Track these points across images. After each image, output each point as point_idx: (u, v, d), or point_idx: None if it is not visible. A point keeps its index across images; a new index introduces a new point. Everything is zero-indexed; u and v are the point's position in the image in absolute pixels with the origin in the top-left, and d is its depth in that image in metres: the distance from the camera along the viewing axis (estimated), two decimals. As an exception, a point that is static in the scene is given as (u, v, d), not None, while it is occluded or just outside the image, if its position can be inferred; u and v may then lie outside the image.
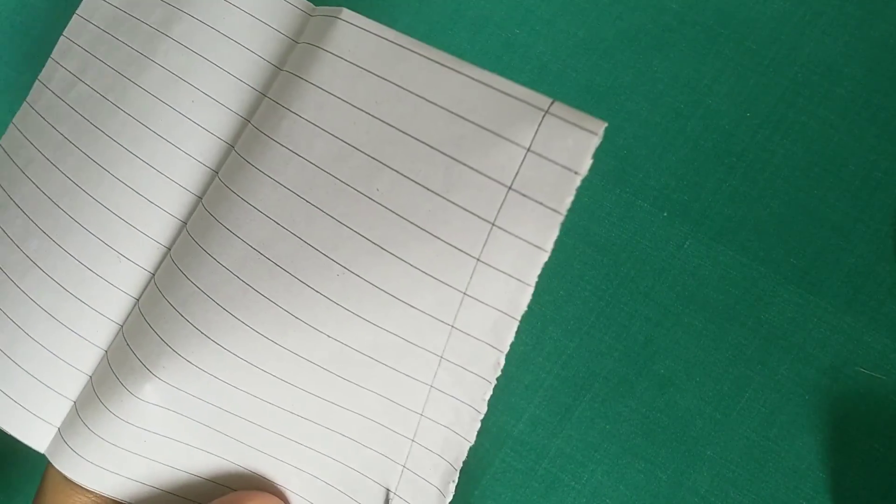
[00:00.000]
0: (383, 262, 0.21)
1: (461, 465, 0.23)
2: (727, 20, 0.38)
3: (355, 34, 0.23)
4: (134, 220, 0.25)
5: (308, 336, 0.22)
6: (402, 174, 0.21)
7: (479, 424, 0.22)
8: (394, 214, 0.21)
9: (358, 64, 0.23)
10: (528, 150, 0.21)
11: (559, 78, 0.38)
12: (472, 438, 0.22)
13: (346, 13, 0.23)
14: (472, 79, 0.21)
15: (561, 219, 0.20)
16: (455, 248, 0.21)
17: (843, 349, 0.35)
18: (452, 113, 0.21)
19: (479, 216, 0.21)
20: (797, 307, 0.35)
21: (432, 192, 0.21)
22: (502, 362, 0.22)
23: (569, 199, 0.20)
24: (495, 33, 0.39)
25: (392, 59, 0.22)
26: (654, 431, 0.35)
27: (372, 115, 0.22)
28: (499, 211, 0.21)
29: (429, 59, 0.22)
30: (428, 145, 0.21)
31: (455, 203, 0.21)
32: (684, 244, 0.36)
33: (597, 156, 0.37)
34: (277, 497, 0.24)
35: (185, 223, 0.25)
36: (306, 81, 0.23)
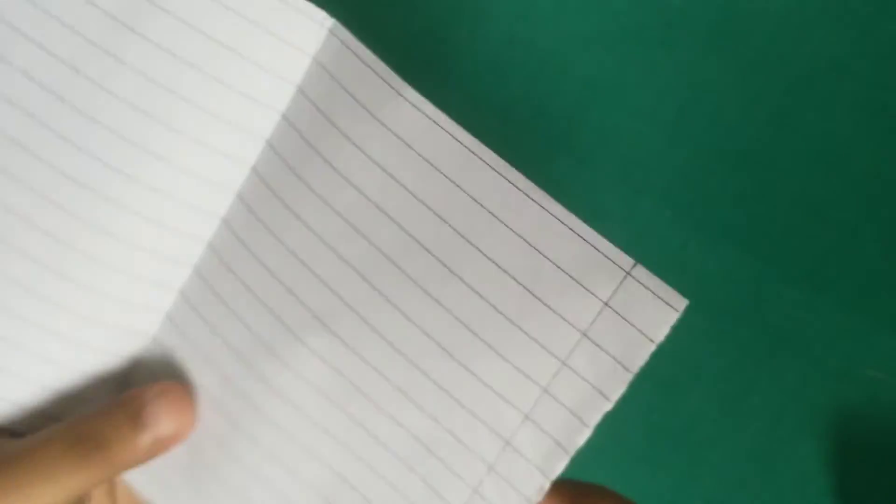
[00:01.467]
0: (451, 368, 0.23)
1: None
2: (732, 15, 0.38)
3: (422, 123, 0.24)
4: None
5: (366, 406, 0.24)
6: (472, 289, 0.23)
7: None
8: (462, 325, 0.23)
9: (427, 158, 0.23)
10: (606, 304, 0.22)
11: (561, 73, 0.38)
12: None
13: (410, 92, 0.24)
14: (555, 217, 0.22)
15: (631, 377, 0.22)
16: (523, 373, 0.22)
17: (851, 351, 0.35)
18: (530, 244, 0.22)
19: (549, 351, 0.22)
20: (803, 308, 0.35)
21: (504, 315, 0.22)
22: (546, 488, 0.23)
23: (640, 363, 0.22)
24: (496, 28, 0.39)
25: (464, 165, 0.23)
26: (657, 434, 0.35)
27: (441, 219, 0.23)
28: (571, 352, 0.22)
29: (506, 179, 0.23)
30: (501, 268, 0.22)
31: (527, 333, 0.22)
32: (688, 244, 0.36)
33: (599, 153, 0.37)
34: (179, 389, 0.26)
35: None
36: (360, 150, 0.24)
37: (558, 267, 0.22)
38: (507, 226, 0.22)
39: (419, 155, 0.24)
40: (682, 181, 0.37)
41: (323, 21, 0.25)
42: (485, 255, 0.23)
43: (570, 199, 0.37)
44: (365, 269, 0.24)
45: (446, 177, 0.23)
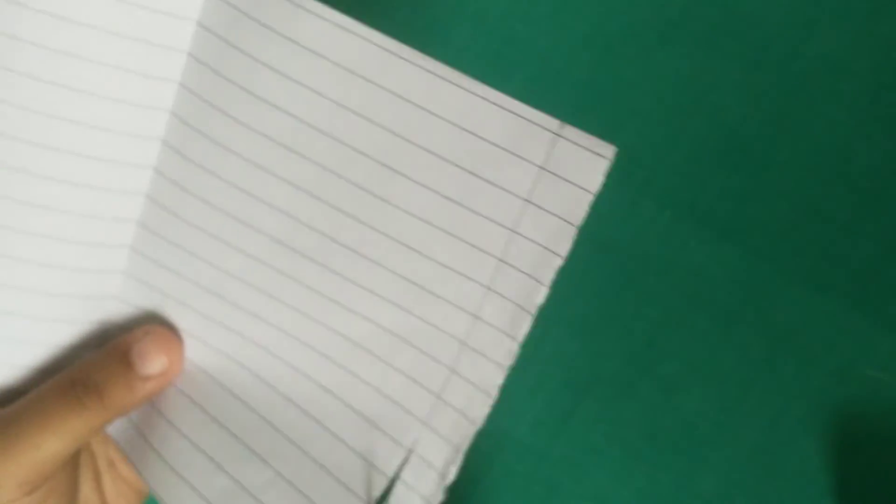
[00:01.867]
0: (411, 258, 0.24)
1: (464, 451, 0.25)
2: (732, 15, 0.38)
3: (330, 31, 0.24)
4: None
5: (341, 314, 0.25)
6: (417, 182, 0.23)
7: (489, 409, 0.24)
8: (414, 217, 0.24)
9: (343, 65, 0.24)
10: (541, 167, 0.23)
11: (561, 73, 0.38)
12: (481, 423, 0.24)
13: (310, 3, 0.24)
14: (477, 95, 0.23)
15: (574, 230, 0.23)
16: (478, 248, 0.23)
17: (851, 350, 0.35)
18: (460, 127, 0.23)
19: (498, 223, 0.23)
20: (804, 307, 0.35)
21: (449, 199, 0.23)
22: (515, 350, 0.24)
23: (582, 214, 0.23)
24: (496, 28, 0.39)
25: (382, 64, 0.23)
26: (657, 434, 0.35)
27: (372, 122, 0.24)
28: (518, 219, 0.23)
29: (425, 69, 0.24)
30: (439, 156, 0.23)
31: (474, 210, 0.23)
32: (689, 243, 0.36)
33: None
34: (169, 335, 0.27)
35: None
36: (276, 71, 0.24)
37: (490, 143, 0.23)
38: (435, 115, 0.23)
39: (335, 64, 0.24)
40: (681, 181, 0.37)
41: None
42: (421, 147, 0.23)
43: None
44: (311, 186, 0.24)
45: (367, 80, 0.23)
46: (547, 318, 0.36)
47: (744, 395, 0.35)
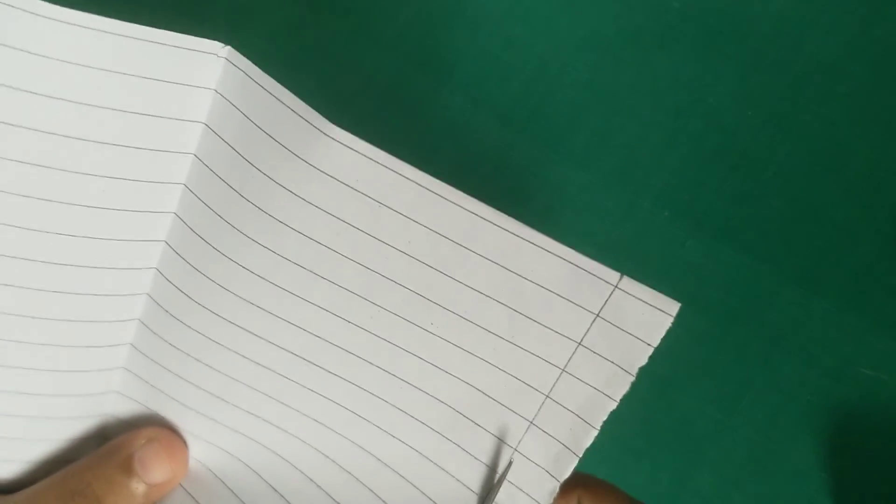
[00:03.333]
0: (450, 385, 0.23)
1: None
2: (729, 18, 0.38)
3: (359, 161, 0.22)
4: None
5: (366, 429, 0.24)
6: (457, 314, 0.22)
7: None
8: (455, 347, 0.22)
9: (373, 197, 0.22)
10: (598, 315, 0.22)
11: (559, 76, 0.38)
12: None
13: (335, 130, 0.22)
14: (524, 239, 0.22)
15: (632, 379, 0.22)
16: (524, 383, 0.22)
17: (846, 350, 0.35)
18: (505, 268, 0.22)
19: (548, 361, 0.22)
20: (799, 307, 0.35)
21: (496, 335, 0.22)
22: (555, 491, 0.23)
23: (641, 363, 0.22)
24: (495, 31, 0.39)
25: (416, 200, 0.22)
26: (655, 432, 0.35)
27: (404, 253, 0.22)
28: (569, 360, 0.22)
29: (464, 209, 0.22)
30: (482, 293, 0.22)
31: (523, 348, 0.22)
32: (686, 243, 0.36)
33: (597, 155, 0.37)
34: (172, 433, 0.25)
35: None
36: (293, 193, 0.23)
37: (541, 286, 0.22)
38: (477, 254, 0.22)
39: (364, 195, 0.22)
40: (679, 182, 0.37)
41: (218, 51, 0.22)
42: (461, 282, 0.22)
43: (570, 200, 0.37)
44: (336, 308, 0.23)
45: (400, 213, 0.22)
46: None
47: (741, 394, 0.35)
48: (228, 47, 0.22)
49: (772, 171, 0.36)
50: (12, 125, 0.22)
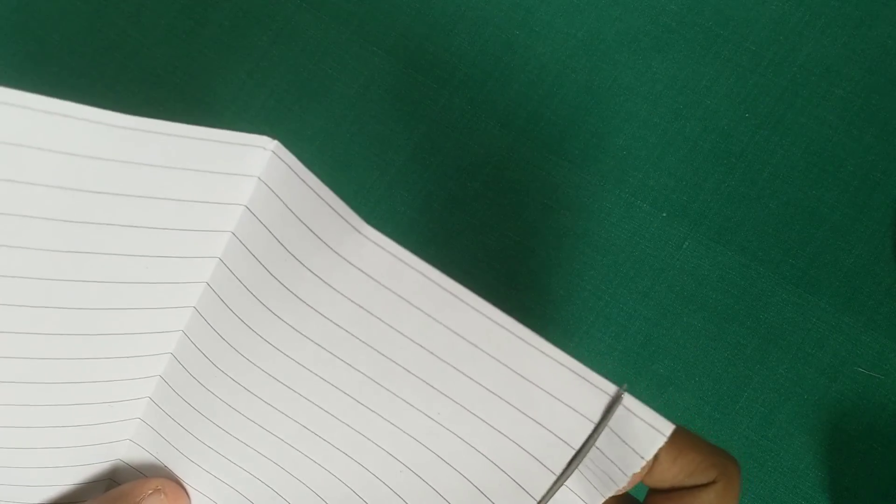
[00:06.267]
0: (447, 474, 0.24)
1: None
2: (726, 21, 0.38)
3: (388, 261, 0.23)
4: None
5: None
6: (463, 407, 0.23)
7: None
8: (459, 439, 0.23)
9: (399, 294, 0.23)
10: (598, 424, 0.22)
11: (559, 79, 0.38)
12: None
13: (369, 230, 0.23)
14: (535, 347, 0.23)
15: (627, 480, 0.22)
16: (519, 486, 0.23)
17: (842, 349, 0.35)
18: (514, 371, 0.23)
19: (544, 465, 0.23)
20: (796, 307, 0.35)
21: (497, 430, 0.23)
22: None
23: (636, 471, 0.22)
24: (495, 34, 0.39)
25: (441, 302, 0.23)
26: (653, 431, 0.35)
27: (421, 346, 0.23)
28: (565, 469, 0.23)
29: (487, 317, 0.23)
30: (489, 390, 0.23)
31: (521, 447, 0.23)
32: (683, 244, 0.36)
33: (596, 156, 0.38)
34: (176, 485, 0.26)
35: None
36: (323, 281, 0.24)
37: (547, 392, 0.23)
38: (490, 356, 0.23)
39: (390, 291, 0.23)
40: (677, 183, 0.37)
41: (265, 144, 0.23)
42: (470, 378, 0.23)
43: (569, 202, 0.37)
44: (348, 388, 0.24)
45: (422, 311, 0.23)
46: (544, 317, 0.37)
47: (737, 392, 0.35)
48: (276, 142, 0.23)
49: (768, 172, 0.37)
50: (69, 221, 0.23)
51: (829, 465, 0.34)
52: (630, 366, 0.36)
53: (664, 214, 0.37)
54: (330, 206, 0.23)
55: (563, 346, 0.37)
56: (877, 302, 0.35)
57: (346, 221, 0.23)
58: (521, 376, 0.23)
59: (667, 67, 0.38)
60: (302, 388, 0.25)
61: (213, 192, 0.23)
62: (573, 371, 0.22)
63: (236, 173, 0.23)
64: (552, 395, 0.22)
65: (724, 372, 0.35)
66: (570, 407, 0.22)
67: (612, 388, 0.22)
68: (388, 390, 0.24)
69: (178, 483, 0.27)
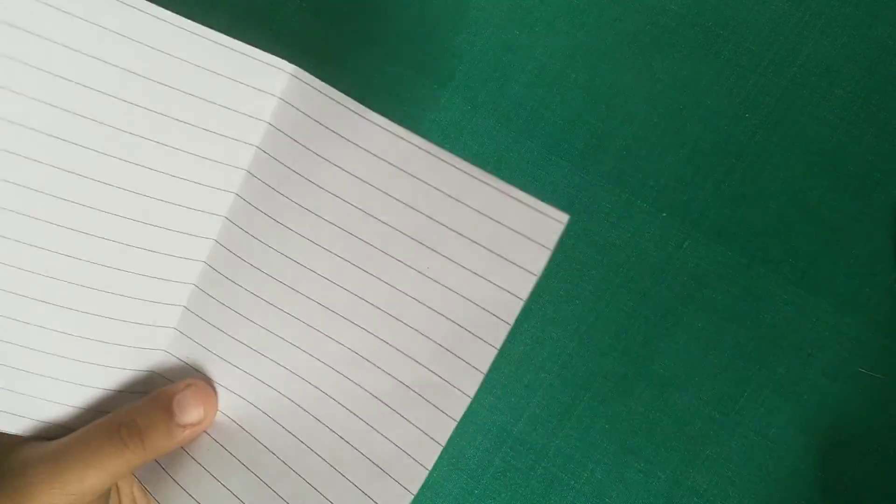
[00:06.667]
0: (434, 321, 0.28)
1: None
2: (726, 21, 0.38)
3: (385, 136, 0.28)
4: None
5: (372, 372, 0.28)
6: (450, 259, 0.27)
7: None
8: (442, 286, 0.27)
9: (394, 164, 0.28)
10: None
11: (558, 79, 0.38)
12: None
13: (372, 114, 0.28)
14: (500, 191, 0.27)
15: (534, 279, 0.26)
16: (488, 312, 0.27)
17: (842, 349, 0.35)
18: (485, 215, 0.27)
19: (512, 293, 0.27)
20: (796, 307, 0.35)
21: (475, 274, 0.27)
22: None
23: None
24: (495, 35, 0.39)
25: (425, 164, 0.28)
26: (653, 431, 0.35)
27: (412, 208, 0.28)
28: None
29: (460, 169, 0.27)
30: (466, 237, 0.27)
31: (488, 280, 0.27)
32: (683, 244, 0.37)
33: (596, 156, 0.38)
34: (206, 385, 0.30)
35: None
36: (336, 166, 0.29)
37: (512, 229, 0.26)
38: (465, 204, 0.27)
39: (387, 162, 0.28)
40: (677, 183, 0.37)
41: (285, 67, 0.29)
42: (452, 229, 0.27)
43: (568, 201, 0.37)
44: (357, 259, 0.28)
45: (412, 175, 0.27)
46: (544, 318, 0.37)
47: (737, 393, 0.35)
48: (294, 66, 0.29)
49: (768, 172, 0.37)
50: (107, 94, 0.28)
51: (829, 466, 0.34)
52: (630, 366, 0.36)
53: (664, 214, 0.37)
54: (335, 101, 0.28)
55: (565, 346, 0.37)
56: (877, 302, 0.35)
57: (352, 110, 0.28)
58: (490, 217, 0.27)
59: (667, 67, 0.38)
60: (319, 266, 0.29)
61: (241, 102, 0.29)
62: (526, 204, 0.27)
63: (261, 89, 0.29)
64: (515, 231, 0.27)
65: (724, 372, 0.35)
66: (528, 238, 0.26)
67: (564, 217, 0.26)
68: (388, 255, 0.28)
69: (208, 381, 0.30)
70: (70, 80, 0.27)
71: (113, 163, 0.28)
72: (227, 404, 0.30)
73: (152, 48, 0.28)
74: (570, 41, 0.39)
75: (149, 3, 0.28)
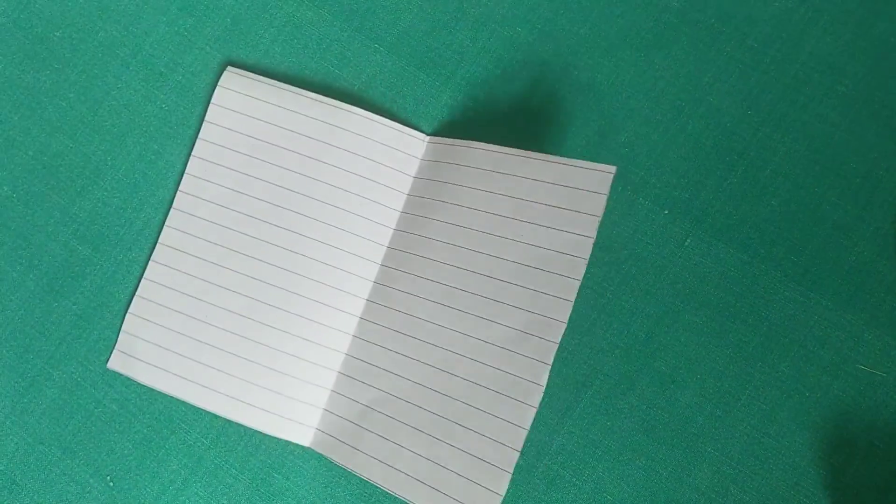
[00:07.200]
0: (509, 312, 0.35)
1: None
2: (729, 18, 0.38)
3: (486, 155, 0.37)
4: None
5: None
6: (533, 223, 0.35)
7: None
8: (528, 244, 0.35)
9: (487, 168, 0.37)
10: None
11: (561, 76, 0.38)
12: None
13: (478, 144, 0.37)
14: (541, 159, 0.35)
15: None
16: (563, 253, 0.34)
17: (844, 346, 0.35)
18: (555, 184, 0.35)
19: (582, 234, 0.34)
20: (798, 305, 0.35)
21: (552, 228, 0.35)
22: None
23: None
24: (497, 31, 0.39)
25: (513, 167, 0.36)
26: (655, 428, 0.35)
27: (505, 195, 0.36)
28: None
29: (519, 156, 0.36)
30: (545, 204, 0.35)
31: (567, 231, 0.34)
32: (685, 241, 0.36)
33: (598, 153, 0.38)
34: None
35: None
36: (458, 206, 0.37)
37: (577, 188, 0.34)
38: (539, 180, 0.35)
39: (483, 169, 0.36)
40: (679, 181, 0.37)
41: (424, 138, 0.38)
42: (532, 201, 0.35)
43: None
44: (467, 264, 0.36)
45: (502, 172, 0.36)
46: (547, 315, 0.37)
47: (739, 390, 0.35)
48: (428, 136, 0.38)
49: (770, 169, 0.37)
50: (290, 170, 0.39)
51: (831, 463, 0.34)
52: (632, 363, 0.36)
53: (666, 212, 0.37)
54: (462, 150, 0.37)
55: (567, 344, 0.37)
56: (879, 299, 0.35)
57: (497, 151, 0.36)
58: (561, 185, 0.34)
59: (669, 64, 0.38)
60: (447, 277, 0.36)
61: (391, 170, 0.38)
62: (585, 167, 0.34)
63: (407, 152, 0.39)
64: (582, 189, 0.34)
65: (726, 369, 0.35)
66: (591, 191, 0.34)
67: (612, 168, 0.33)
68: (493, 235, 0.36)
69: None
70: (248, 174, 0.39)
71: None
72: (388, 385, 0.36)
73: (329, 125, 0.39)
74: (573, 38, 0.39)
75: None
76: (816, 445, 0.35)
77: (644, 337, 0.36)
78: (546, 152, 0.38)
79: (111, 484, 0.37)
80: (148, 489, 0.37)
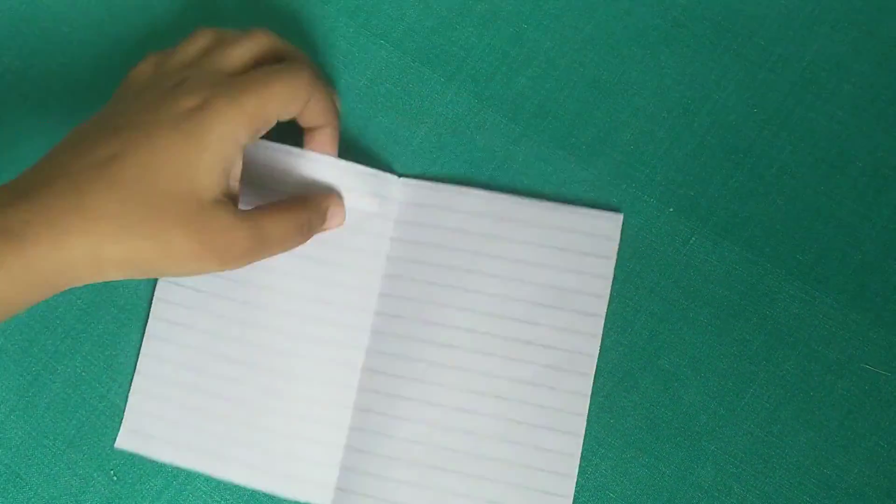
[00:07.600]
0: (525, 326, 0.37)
1: None
2: (735, 16, 0.38)
3: (485, 199, 0.38)
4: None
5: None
6: (522, 281, 0.37)
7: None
8: (525, 303, 0.37)
9: (491, 214, 0.38)
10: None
11: (566, 73, 0.38)
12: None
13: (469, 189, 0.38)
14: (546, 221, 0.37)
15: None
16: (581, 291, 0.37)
17: (849, 346, 0.35)
18: (563, 229, 0.37)
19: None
20: (803, 303, 0.35)
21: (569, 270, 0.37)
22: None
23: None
24: (503, 28, 0.39)
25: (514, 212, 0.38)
26: (658, 426, 0.35)
27: (511, 240, 0.38)
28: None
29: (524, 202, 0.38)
30: (555, 247, 0.37)
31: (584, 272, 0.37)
32: (690, 239, 0.36)
33: (603, 151, 0.38)
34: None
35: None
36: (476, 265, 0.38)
37: (586, 233, 0.37)
38: (547, 225, 0.37)
39: (483, 214, 0.38)
40: (684, 178, 0.37)
41: (396, 179, 0.38)
42: (542, 244, 0.37)
43: (575, 196, 0.37)
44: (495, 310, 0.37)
45: (510, 219, 0.37)
46: (551, 312, 0.37)
47: (743, 389, 0.35)
48: (403, 178, 0.38)
49: (776, 167, 0.37)
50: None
51: (835, 463, 0.34)
52: (635, 361, 0.36)
53: (671, 209, 0.37)
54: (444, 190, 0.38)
55: (569, 341, 0.36)
56: (885, 299, 0.35)
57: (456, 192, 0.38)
58: (570, 230, 0.37)
59: (675, 62, 0.38)
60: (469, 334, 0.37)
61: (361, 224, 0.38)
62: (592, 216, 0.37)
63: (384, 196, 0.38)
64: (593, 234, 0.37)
65: (730, 368, 0.35)
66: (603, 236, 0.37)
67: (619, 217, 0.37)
68: (507, 297, 0.37)
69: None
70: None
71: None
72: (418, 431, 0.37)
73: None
74: (578, 35, 0.39)
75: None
76: (820, 445, 0.34)
77: (648, 335, 0.36)
78: (548, 151, 0.38)
79: (115, 478, 0.37)
80: (151, 483, 0.37)
